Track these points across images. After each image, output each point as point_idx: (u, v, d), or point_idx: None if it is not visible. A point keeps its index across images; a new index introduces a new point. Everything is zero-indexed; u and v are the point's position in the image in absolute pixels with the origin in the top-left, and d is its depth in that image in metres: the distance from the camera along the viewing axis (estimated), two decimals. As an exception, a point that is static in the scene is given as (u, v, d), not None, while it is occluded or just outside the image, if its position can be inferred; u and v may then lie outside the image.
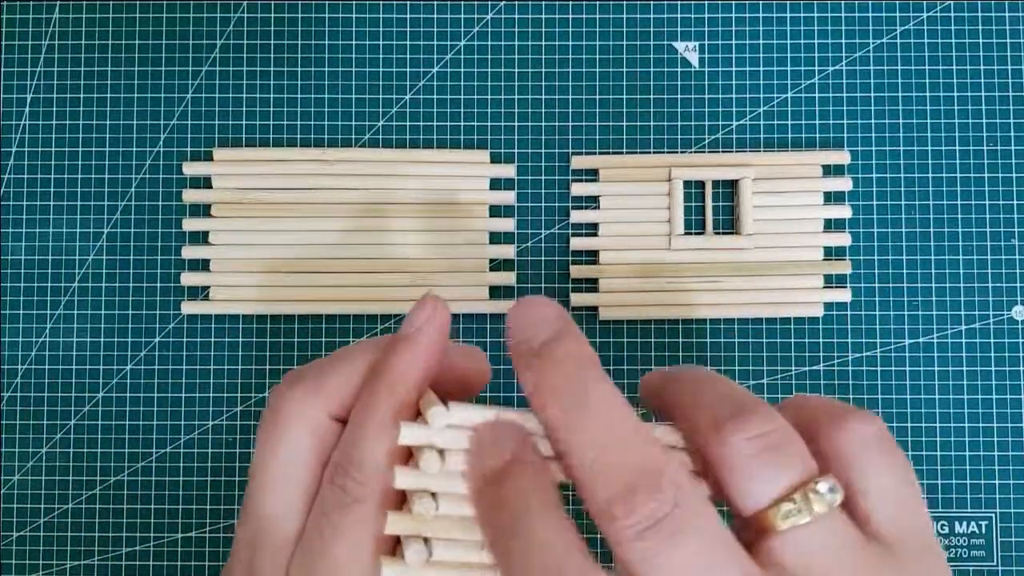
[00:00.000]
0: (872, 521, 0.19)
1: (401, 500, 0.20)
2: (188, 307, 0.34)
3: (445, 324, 0.22)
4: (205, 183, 0.34)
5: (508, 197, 0.34)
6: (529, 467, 0.19)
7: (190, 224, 0.34)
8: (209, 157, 0.35)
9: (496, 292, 0.34)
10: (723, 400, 0.19)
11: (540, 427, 0.20)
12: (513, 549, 0.18)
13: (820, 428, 0.20)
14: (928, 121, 0.35)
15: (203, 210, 0.34)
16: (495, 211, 0.35)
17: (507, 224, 0.34)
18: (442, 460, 0.20)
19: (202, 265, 0.34)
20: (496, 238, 0.35)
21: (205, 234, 0.34)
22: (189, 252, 0.34)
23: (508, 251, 0.34)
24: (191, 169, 0.34)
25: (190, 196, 0.34)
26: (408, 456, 0.20)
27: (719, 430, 0.18)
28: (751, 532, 0.19)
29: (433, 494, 0.20)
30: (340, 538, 0.19)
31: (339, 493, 0.20)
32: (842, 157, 0.34)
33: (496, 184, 0.35)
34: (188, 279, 0.34)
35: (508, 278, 0.34)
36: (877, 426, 0.20)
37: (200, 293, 0.34)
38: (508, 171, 0.35)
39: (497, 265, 0.35)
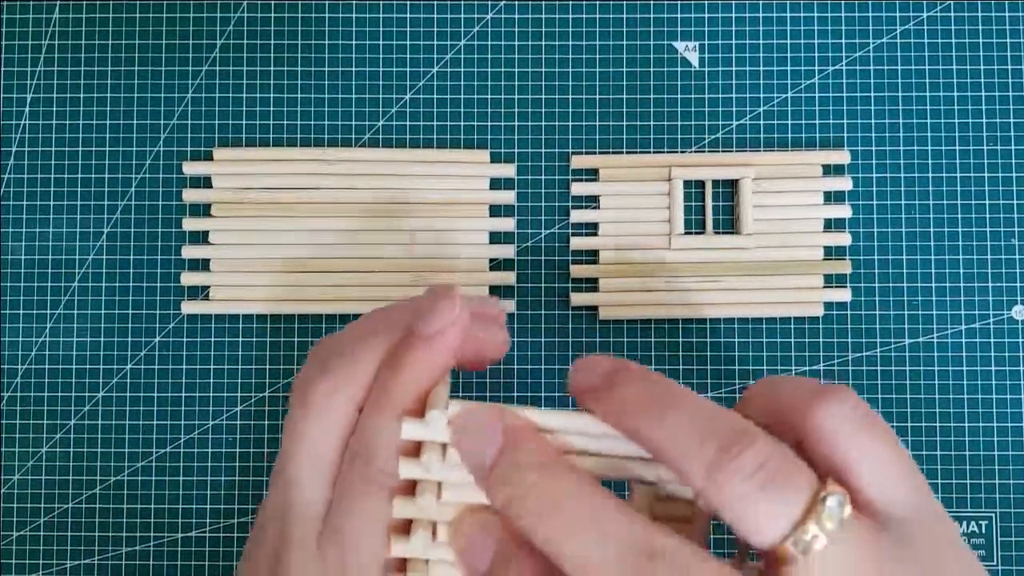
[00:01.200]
0: (876, 504, 0.19)
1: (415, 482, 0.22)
2: (188, 307, 0.34)
3: (466, 327, 0.23)
4: (205, 183, 0.34)
5: (508, 197, 0.34)
6: (533, 442, 0.20)
7: (190, 224, 0.34)
8: (209, 157, 0.34)
9: (496, 292, 0.34)
10: (704, 436, 0.18)
11: (549, 422, 0.21)
12: (558, 527, 0.18)
13: (796, 413, 0.19)
14: (928, 121, 0.35)
15: (203, 210, 0.34)
16: (495, 211, 0.35)
17: (507, 224, 0.34)
18: (444, 454, 0.21)
19: (202, 265, 0.34)
20: (496, 238, 0.35)
21: (205, 234, 0.34)
22: (189, 252, 0.34)
23: (508, 251, 0.34)
24: (191, 169, 0.34)
25: (190, 196, 0.34)
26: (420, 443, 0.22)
27: (712, 475, 0.18)
28: (769, 560, 0.18)
29: (440, 483, 0.21)
30: (358, 517, 0.22)
31: (357, 477, 0.22)
32: (842, 157, 0.34)
33: (496, 184, 0.35)
34: (188, 279, 0.34)
35: (508, 278, 0.34)
36: (852, 400, 0.19)
37: (200, 293, 0.34)
38: (508, 171, 0.35)
39: (497, 265, 0.35)
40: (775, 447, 0.18)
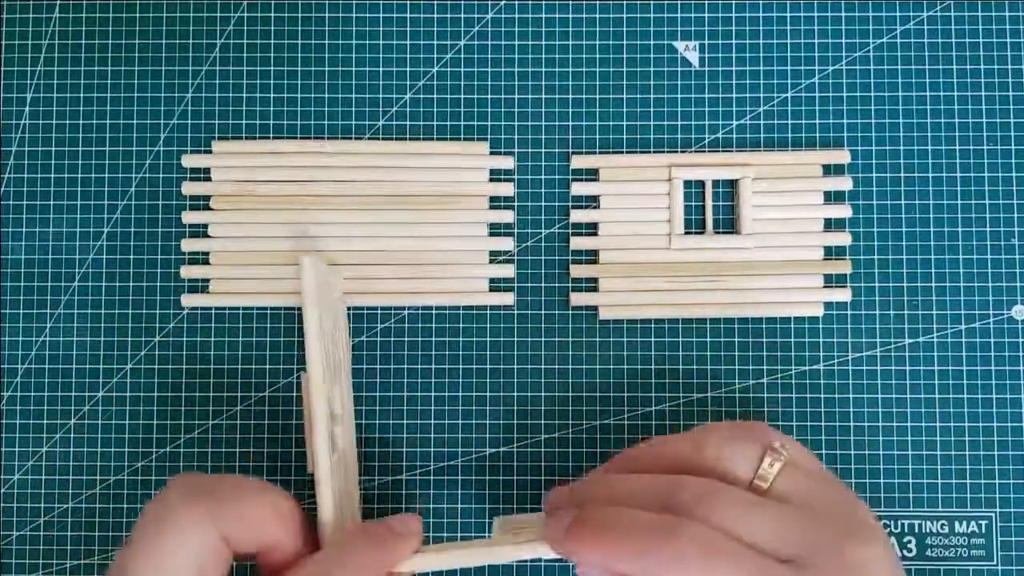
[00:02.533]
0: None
1: None
2: (188, 300, 0.34)
3: None
4: (205, 178, 0.34)
5: (507, 188, 0.34)
6: None
7: (189, 217, 0.34)
8: (209, 153, 0.35)
9: (496, 285, 0.34)
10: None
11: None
12: None
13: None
14: (928, 120, 0.35)
15: (203, 204, 0.34)
16: (495, 203, 0.35)
17: (506, 216, 0.34)
18: None
19: (202, 259, 0.34)
20: (496, 232, 0.35)
21: (205, 228, 0.34)
22: (188, 245, 0.34)
23: (507, 243, 0.34)
24: (190, 161, 0.34)
25: (189, 189, 0.34)
26: None
27: (705, 453, 0.27)
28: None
29: None
30: None
31: None
32: (842, 156, 0.34)
33: (496, 177, 0.35)
34: (188, 272, 0.34)
35: (508, 271, 0.34)
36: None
37: (200, 287, 0.34)
38: (507, 162, 0.35)
39: (496, 259, 0.35)
40: (740, 424, 0.28)
